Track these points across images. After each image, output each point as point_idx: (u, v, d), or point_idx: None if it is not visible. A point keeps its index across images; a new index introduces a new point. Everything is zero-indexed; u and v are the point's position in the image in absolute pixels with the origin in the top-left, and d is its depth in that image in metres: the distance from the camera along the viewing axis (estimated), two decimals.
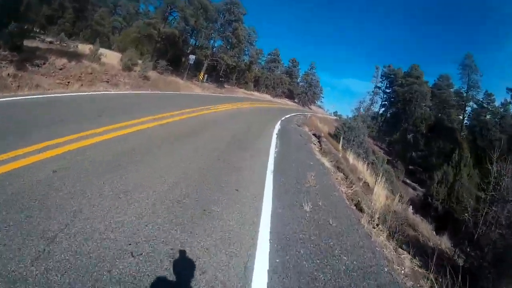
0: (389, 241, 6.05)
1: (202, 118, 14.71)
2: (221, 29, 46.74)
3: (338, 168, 12.25)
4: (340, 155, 15.86)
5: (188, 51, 45.60)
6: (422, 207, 23.68)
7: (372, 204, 8.23)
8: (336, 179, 10.01)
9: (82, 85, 17.59)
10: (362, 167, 16.73)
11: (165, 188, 5.26)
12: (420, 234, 8.69)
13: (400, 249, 5.97)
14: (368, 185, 12.34)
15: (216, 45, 54.17)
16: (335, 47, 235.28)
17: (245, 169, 7.74)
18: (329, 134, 35.38)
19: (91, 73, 20.15)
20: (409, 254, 5.83)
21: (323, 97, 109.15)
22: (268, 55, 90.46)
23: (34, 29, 34.08)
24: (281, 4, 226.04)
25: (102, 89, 17.68)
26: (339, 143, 25.69)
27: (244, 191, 6.13)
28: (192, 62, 35.08)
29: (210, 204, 5.13)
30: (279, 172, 8.17)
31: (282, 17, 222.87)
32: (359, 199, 7.97)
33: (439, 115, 60.53)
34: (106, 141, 7.08)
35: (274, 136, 14.41)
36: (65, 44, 26.84)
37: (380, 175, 10.11)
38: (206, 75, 44.41)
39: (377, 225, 6.65)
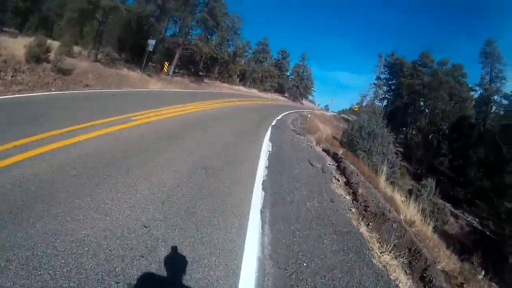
0: None
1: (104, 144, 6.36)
2: (195, 9, 37.38)
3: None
4: (402, 216, 7.73)
5: (155, 38, 36.73)
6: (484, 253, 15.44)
7: None
8: None
9: None
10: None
11: None
12: None
13: None
14: None
15: (194, 33, 45.57)
16: (326, 39, 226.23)
17: None
18: (334, 138, 27.17)
19: None
20: None
21: (314, 91, 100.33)
22: (256, 45, 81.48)
23: None
24: None
25: None
26: (360, 159, 17.67)
27: None
28: (151, 49, 26.35)
29: None
30: None
31: (270, 9, 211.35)
32: None
33: (453, 109, 51.76)
34: None
35: (257, 186, 6.20)
36: None
37: None
38: (173, 67, 35.50)
39: None
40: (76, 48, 25.80)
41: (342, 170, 10.60)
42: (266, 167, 7.70)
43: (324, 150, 14.24)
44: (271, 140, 11.86)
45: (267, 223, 4.81)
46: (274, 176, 7.16)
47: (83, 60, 22.78)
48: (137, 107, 11.84)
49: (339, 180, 9.44)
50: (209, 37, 52.98)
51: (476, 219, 27.91)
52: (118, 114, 9.69)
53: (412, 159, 40.63)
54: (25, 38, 21.86)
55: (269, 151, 9.65)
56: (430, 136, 42.23)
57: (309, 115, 26.32)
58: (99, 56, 24.67)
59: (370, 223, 6.56)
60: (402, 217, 7.57)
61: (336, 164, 11.70)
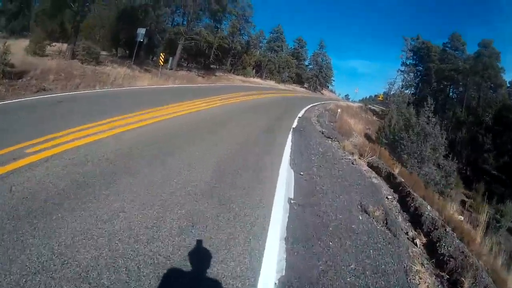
0: None
1: None
2: None
3: None
4: None
5: (155, 29, 32.09)
6: None
7: None
8: None
9: None
10: None
11: None
12: None
13: None
14: None
15: (201, 23, 40.70)
16: (342, 27, 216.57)
17: None
18: (367, 136, 22.36)
19: None
20: None
21: (333, 80, 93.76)
22: (270, 33, 75.66)
23: None
24: None
25: None
26: (409, 167, 13.34)
27: None
28: (141, 39, 21.73)
29: None
30: None
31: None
32: None
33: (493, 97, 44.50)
34: None
35: None
36: None
37: None
38: (176, 60, 30.72)
39: None
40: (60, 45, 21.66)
41: (412, 214, 6.11)
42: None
43: (370, 164, 9.59)
44: (292, 163, 7.12)
45: None
46: None
47: (57, 58, 18.69)
48: (74, 121, 7.39)
49: (416, 244, 4.97)
50: (218, 26, 48.45)
51: None
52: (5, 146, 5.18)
53: (457, 157, 34.32)
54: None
55: (290, 202, 4.92)
56: (472, 129, 36.04)
57: (338, 110, 21.34)
58: (79, 52, 20.25)
59: None
60: None
61: (397, 198, 7.20)
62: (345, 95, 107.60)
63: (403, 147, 15.38)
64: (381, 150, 11.70)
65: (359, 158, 9.78)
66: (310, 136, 11.36)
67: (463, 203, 21.24)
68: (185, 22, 35.46)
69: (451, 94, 60.16)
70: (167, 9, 34.84)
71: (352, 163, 9.20)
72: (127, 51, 30.33)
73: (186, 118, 10.37)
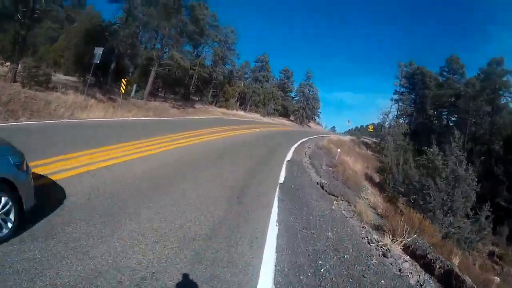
0: None
1: None
2: (170, 15, 28.15)
3: None
4: None
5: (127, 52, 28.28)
6: None
7: None
8: None
9: None
10: None
11: None
12: None
13: None
14: None
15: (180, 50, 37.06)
16: (326, 60, 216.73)
17: None
18: (368, 177, 18.70)
19: None
20: None
21: (320, 112, 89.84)
22: (255, 62, 71.92)
23: None
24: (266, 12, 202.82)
25: None
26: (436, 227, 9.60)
27: None
28: (97, 61, 17.68)
29: None
30: None
31: (268, 29, 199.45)
32: None
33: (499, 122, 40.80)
34: None
35: None
36: None
37: None
38: (135, 86, 26.75)
39: None
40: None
41: None
42: None
43: (408, 249, 5.80)
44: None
45: None
46: None
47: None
48: None
49: None
50: (200, 54, 45.37)
51: None
52: None
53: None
54: None
55: None
56: (484, 160, 32.48)
57: (338, 150, 17.50)
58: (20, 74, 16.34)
59: None
60: None
61: None
62: (332, 127, 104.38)
63: (428, 198, 11.55)
64: (417, 217, 7.80)
65: (392, 240, 5.84)
66: (307, 199, 7.42)
67: (491, 254, 17.42)
68: (166, 48, 31.38)
69: (448, 121, 56.80)
70: (147, 35, 31.52)
71: (384, 255, 5.30)
72: (99, 77, 26.44)
73: (98, 180, 5.85)
